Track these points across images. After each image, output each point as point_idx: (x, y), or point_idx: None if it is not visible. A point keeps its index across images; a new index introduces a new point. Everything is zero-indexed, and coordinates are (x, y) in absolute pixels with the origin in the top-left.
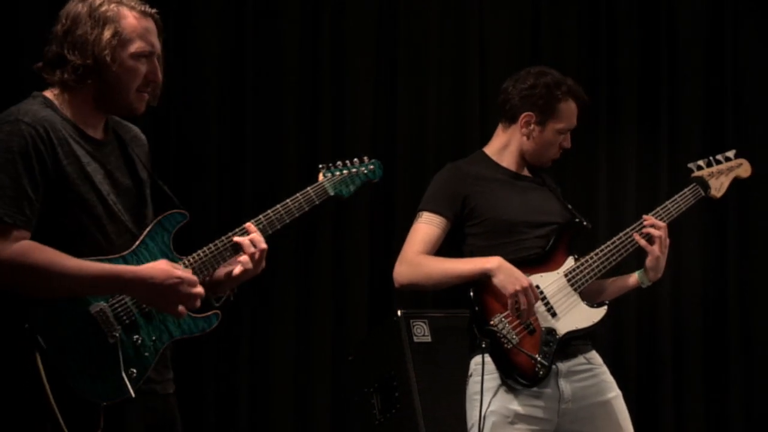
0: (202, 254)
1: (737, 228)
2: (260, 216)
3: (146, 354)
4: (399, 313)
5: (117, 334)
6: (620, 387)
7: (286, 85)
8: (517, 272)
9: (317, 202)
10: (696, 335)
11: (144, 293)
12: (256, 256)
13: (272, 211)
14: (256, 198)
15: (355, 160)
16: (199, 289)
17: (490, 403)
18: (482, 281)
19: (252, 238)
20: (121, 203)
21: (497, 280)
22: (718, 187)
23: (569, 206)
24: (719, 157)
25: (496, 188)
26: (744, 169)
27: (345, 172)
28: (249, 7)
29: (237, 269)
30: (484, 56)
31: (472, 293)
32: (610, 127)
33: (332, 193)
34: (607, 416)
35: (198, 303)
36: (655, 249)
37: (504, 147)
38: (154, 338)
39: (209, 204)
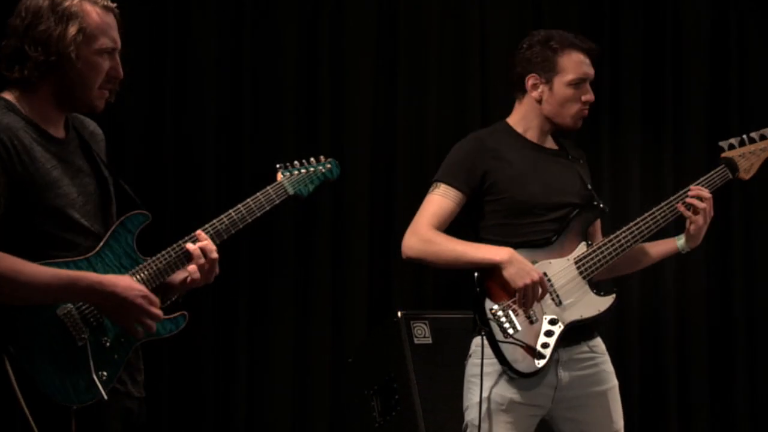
0: (156, 262)
1: (741, 223)
2: (214, 221)
3: (115, 356)
4: (399, 314)
5: (85, 336)
6: (624, 389)
7: (285, 85)
8: (528, 266)
9: (277, 201)
10: (701, 335)
11: (104, 302)
12: (206, 266)
13: (226, 216)
14: None
15: (312, 159)
16: (158, 311)
17: (485, 388)
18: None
19: (203, 246)
20: (87, 204)
21: (507, 273)
22: (748, 168)
23: (589, 186)
24: (753, 135)
25: (516, 165)
26: None
27: (303, 171)
28: (248, 7)
29: (188, 279)
30: (484, 56)
31: (476, 274)
32: (613, 126)
33: (292, 192)
34: (601, 406)
35: (153, 326)
36: (698, 219)
37: (524, 118)
38: (122, 340)
39: (207, 205)
